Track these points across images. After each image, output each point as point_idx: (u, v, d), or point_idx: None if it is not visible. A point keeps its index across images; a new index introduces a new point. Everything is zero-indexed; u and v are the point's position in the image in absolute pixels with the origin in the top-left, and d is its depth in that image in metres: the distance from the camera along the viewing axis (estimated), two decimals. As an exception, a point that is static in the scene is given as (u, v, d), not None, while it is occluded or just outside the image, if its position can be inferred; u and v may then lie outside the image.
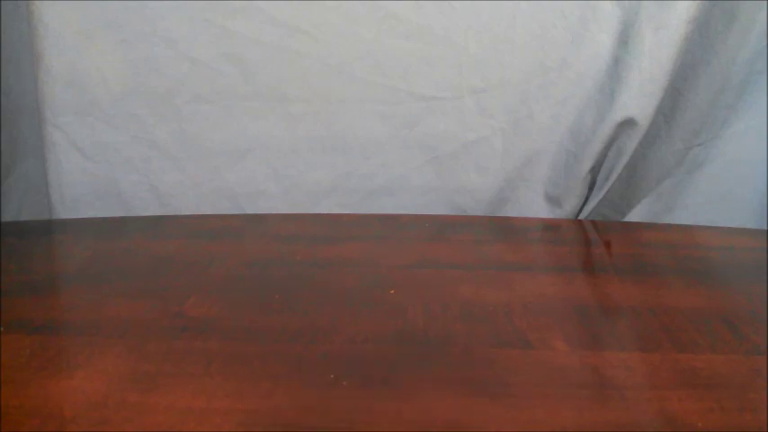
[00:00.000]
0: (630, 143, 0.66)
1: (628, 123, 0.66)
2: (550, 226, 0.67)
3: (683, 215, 0.71)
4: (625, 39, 0.65)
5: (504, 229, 0.65)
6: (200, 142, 0.64)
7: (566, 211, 0.71)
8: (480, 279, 0.47)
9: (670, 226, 0.68)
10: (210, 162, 0.65)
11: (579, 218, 0.71)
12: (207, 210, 0.64)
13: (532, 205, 0.71)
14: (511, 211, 0.72)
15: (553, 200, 0.72)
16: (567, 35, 0.66)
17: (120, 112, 0.66)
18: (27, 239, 0.54)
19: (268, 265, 0.36)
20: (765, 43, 0.65)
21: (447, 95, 0.68)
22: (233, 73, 0.63)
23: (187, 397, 0.29)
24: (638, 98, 0.65)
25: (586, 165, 0.68)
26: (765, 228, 0.66)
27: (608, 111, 0.66)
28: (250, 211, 0.67)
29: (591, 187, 0.70)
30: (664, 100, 0.66)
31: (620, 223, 0.71)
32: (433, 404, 0.29)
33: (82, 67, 0.64)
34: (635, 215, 0.72)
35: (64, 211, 0.68)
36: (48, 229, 0.60)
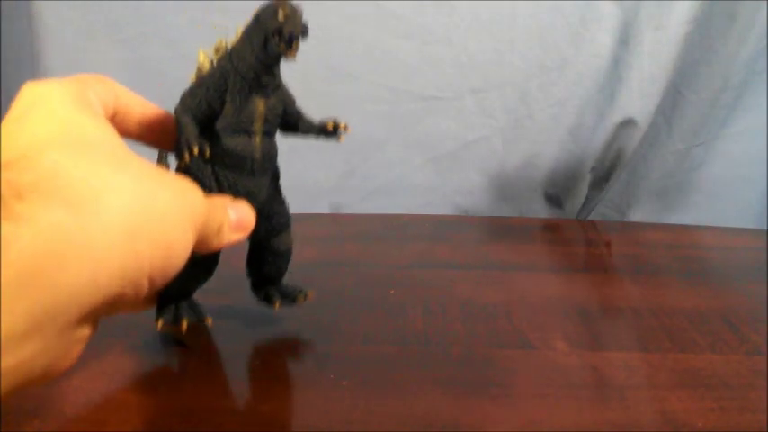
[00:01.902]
0: (630, 143, 0.66)
1: (628, 123, 0.66)
2: (550, 226, 0.67)
3: (684, 215, 0.71)
4: (625, 39, 0.65)
5: (504, 228, 0.65)
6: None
7: (566, 211, 0.71)
8: (480, 279, 0.47)
9: (670, 226, 0.68)
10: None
11: (579, 218, 0.71)
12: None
13: (532, 205, 0.71)
14: (511, 211, 0.72)
15: (553, 200, 0.72)
16: (567, 35, 0.66)
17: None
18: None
19: (268, 265, 0.36)
20: (765, 43, 0.65)
21: (447, 95, 0.68)
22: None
23: (187, 397, 0.29)
24: (638, 98, 0.65)
25: (586, 165, 0.68)
26: (765, 228, 0.66)
27: (608, 111, 0.66)
28: (250, 211, 0.67)
29: (591, 187, 0.70)
30: (664, 100, 0.66)
31: (620, 223, 0.71)
32: (433, 404, 0.29)
33: (82, 67, 0.64)
34: (635, 215, 0.72)
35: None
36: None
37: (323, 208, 0.70)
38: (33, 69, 0.65)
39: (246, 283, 0.36)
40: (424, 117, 0.68)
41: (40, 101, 0.24)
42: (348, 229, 0.61)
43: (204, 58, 0.32)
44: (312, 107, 0.33)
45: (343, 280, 0.46)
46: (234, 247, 0.31)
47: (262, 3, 0.30)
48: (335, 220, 0.65)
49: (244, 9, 0.66)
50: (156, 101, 0.67)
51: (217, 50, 0.32)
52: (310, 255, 0.51)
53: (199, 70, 0.32)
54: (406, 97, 0.67)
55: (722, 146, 0.69)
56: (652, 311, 0.41)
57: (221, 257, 0.33)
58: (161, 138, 0.32)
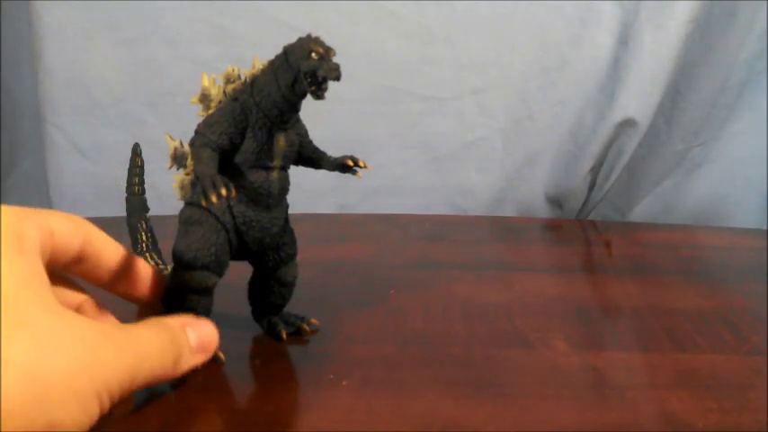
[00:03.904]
0: (630, 143, 0.66)
1: (628, 123, 0.66)
2: (550, 226, 0.67)
3: (683, 215, 0.71)
4: (625, 39, 0.65)
5: (504, 229, 0.65)
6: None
7: (566, 211, 0.71)
8: (480, 279, 0.46)
9: (670, 226, 0.68)
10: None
11: (579, 218, 0.71)
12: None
13: (532, 205, 0.71)
14: (511, 211, 0.72)
15: (553, 200, 0.72)
16: (567, 35, 0.66)
17: (121, 112, 0.66)
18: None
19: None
20: (765, 43, 0.65)
21: (447, 95, 0.68)
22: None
23: (187, 397, 0.29)
24: (638, 98, 0.65)
25: (586, 165, 0.68)
26: (765, 228, 0.66)
27: (608, 111, 0.66)
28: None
29: (591, 187, 0.70)
30: (664, 100, 0.66)
31: (620, 223, 0.71)
32: (433, 404, 0.29)
33: (82, 67, 0.64)
34: (635, 215, 0.72)
35: (64, 211, 0.68)
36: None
37: (323, 208, 0.69)
38: (33, 69, 0.65)
39: (244, 285, 0.36)
40: (425, 117, 0.68)
41: None
42: (348, 229, 0.61)
43: (210, 82, 0.32)
44: (312, 108, 0.33)
45: (344, 280, 0.46)
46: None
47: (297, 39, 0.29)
48: (336, 220, 0.65)
49: (244, 8, 0.66)
50: (156, 100, 0.67)
51: (228, 79, 0.32)
52: (311, 255, 0.51)
53: (204, 95, 0.32)
54: (406, 97, 0.67)
55: (722, 146, 0.69)
56: (652, 311, 0.41)
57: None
58: (133, 288, 0.31)
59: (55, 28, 0.63)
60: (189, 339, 0.28)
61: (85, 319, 0.24)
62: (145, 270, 0.32)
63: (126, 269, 0.31)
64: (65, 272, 0.29)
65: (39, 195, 0.69)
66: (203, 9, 0.64)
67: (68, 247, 0.27)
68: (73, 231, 0.28)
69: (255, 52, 0.32)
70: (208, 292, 0.32)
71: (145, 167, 0.37)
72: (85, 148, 0.67)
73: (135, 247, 0.37)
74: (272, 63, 0.30)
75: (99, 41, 0.64)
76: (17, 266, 0.23)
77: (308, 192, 0.68)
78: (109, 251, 0.30)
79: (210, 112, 0.32)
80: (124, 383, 0.24)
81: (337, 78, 0.28)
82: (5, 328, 0.21)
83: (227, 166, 0.31)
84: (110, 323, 0.29)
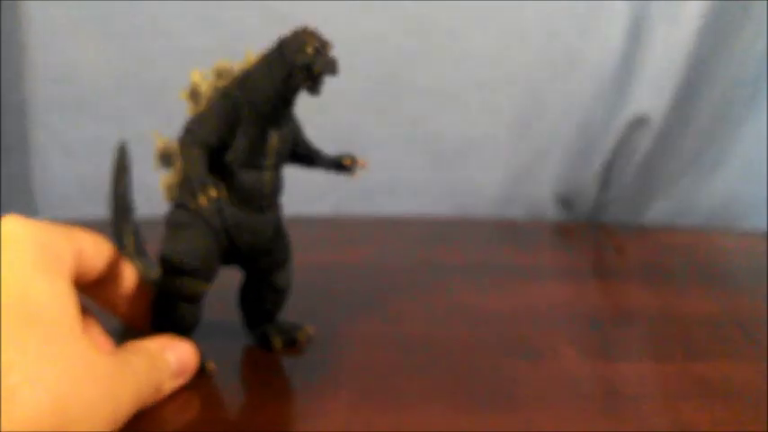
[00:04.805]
0: (643, 140, 0.66)
1: (640, 121, 0.65)
2: (560, 228, 0.66)
3: (699, 216, 0.70)
4: (636, 32, 0.65)
5: (510, 231, 0.64)
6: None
7: (575, 212, 0.71)
8: (485, 284, 0.46)
9: (684, 228, 0.68)
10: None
11: (589, 219, 0.70)
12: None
13: (540, 205, 0.71)
14: (518, 211, 0.71)
15: (562, 199, 0.71)
16: (577, 28, 0.65)
17: (111, 108, 0.65)
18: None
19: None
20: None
21: (451, 90, 0.67)
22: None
23: (176, 409, 0.29)
24: (651, 94, 0.64)
25: (597, 163, 0.67)
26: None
27: (619, 107, 0.66)
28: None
29: (602, 186, 0.69)
30: (677, 96, 0.65)
31: (633, 225, 0.70)
32: (435, 414, 0.29)
33: (70, 61, 0.64)
34: (647, 217, 0.71)
35: (51, 213, 0.67)
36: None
37: (319, 209, 0.69)
38: (18, 64, 0.64)
39: (235, 292, 0.35)
40: (428, 113, 0.67)
41: (7, 247, 0.24)
42: (345, 231, 0.61)
43: (200, 78, 0.31)
44: (307, 103, 0.32)
45: (340, 285, 0.45)
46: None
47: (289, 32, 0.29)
48: (332, 221, 0.65)
49: (242, 3, 0.65)
50: (148, 96, 0.66)
51: (219, 74, 0.31)
52: (305, 259, 0.50)
53: (194, 91, 0.31)
54: (408, 91, 0.67)
55: (738, 144, 0.68)
56: (665, 318, 0.41)
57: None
58: (137, 313, 0.32)
59: (41, 20, 0.63)
60: (169, 363, 0.29)
61: (100, 349, 0.25)
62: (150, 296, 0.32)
63: (136, 296, 0.31)
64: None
65: (24, 196, 0.68)
66: (198, 2, 0.63)
67: (93, 269, 0.28)
68: (97, 253, 0.28)
69: (250, 45, 0.31)
70: (196, 299, 0.31)
71: (134, 166, 0.36)
72: (73, 146, 0.66)
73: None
74: (265, 56, 0.30)
75: (88, 35, 0.64)
76: (55, 288, 0.24)
77: (302, 192, 0.67)
78: (126, 278, 0.30)
79: (201, 108, 0.31)
80: (128, 413, 0.25)
81: (333, 73, 0.28)
82: (43, 350, 0.22)
83: (218, 165, 0.30)
84: (102, 344, 0.29)
